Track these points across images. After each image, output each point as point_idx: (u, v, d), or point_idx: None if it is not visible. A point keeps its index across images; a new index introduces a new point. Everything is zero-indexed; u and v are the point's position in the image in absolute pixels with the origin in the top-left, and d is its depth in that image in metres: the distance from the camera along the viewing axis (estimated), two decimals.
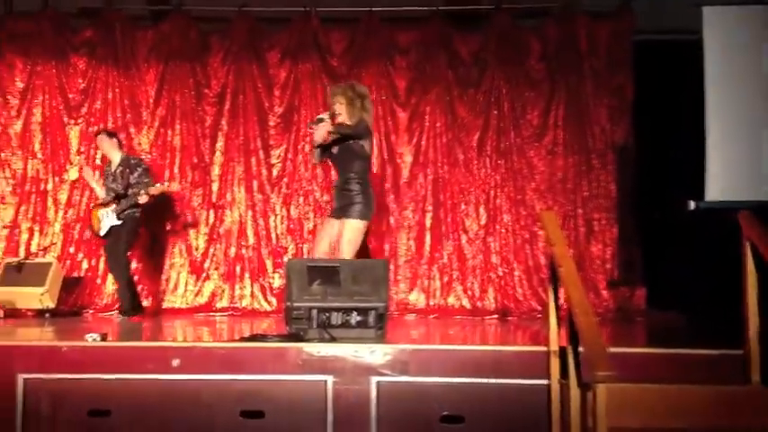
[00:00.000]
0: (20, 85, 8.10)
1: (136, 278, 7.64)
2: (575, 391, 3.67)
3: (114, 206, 7.00)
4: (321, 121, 5.63)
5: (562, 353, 3.95)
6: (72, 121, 8.11)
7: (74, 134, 8.10)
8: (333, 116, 5.66)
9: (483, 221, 7.88)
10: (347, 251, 5.45)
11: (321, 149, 5.71)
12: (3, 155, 8.06)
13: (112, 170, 7.17)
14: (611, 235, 7.77)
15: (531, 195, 7.88)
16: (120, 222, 7.00)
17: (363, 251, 5.78)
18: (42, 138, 8.08)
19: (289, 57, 8.14)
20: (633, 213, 7.74)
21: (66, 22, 8.18)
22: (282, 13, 8.17)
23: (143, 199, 6.88)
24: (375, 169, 7.98)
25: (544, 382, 4.08)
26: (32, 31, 8.08)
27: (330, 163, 5.96)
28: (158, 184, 7.05)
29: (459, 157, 7.96)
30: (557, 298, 4.05)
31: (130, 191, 6.97)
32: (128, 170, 7.10)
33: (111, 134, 7.32)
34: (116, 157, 7.21)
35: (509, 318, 7.51)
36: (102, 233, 7.10)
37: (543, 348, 4.13)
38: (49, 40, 8.08)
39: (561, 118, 7.90)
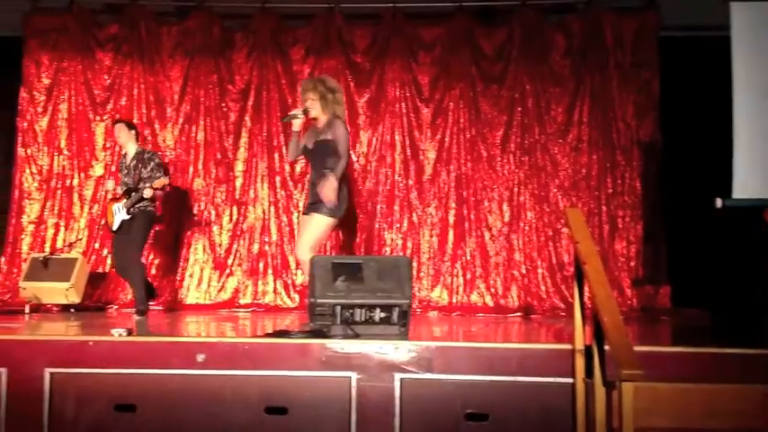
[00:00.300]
0: (46, 81, 8.16)
1: (153, 272, 7.65)
2: (600, 390, 3.64)
3: (125, 200, 6.81)
4: (295, 117, 5.65)
5: (587, 351, 3.91)
6: (98, 118, 8.17)
7: (99, 130, 8.16)
8: (306, 112, 5.65)
9: (506, 218, 7.85)
10: (305, 244, 5.47)
11: (296, 146, 5.70)
12: (29, 151, 8.12)
13: (127, 163, 7.00)
14: (636, 232, 7.72)
15: (554, 192, 7.84)
16: (129, 217, 6.77)
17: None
18: (68, 134, 8.14)
19: (312, 53, 8.15)
20: (658, 210, 7.67)
21: (92, 18, 8.24)
22: (306, 9, 8.20)
23: (148, 193, 6.70)
24: (397, 166, 7.99)
25: (569, 380, 4.04)
26: (58, 28, 8.14)
27: (305, 159, 5.88)
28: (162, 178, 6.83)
29: (482, 153, 7.93)
30: (582, 295, 4.01)
31: (141, 185, 6.78)
32: (140, 164, 6.90)
33: (131, 125, 7.14)
34: (132, 149, 7.00)
35: (532, 315, 7.47)
36: (114, 228, 6.89)
37: (568, 346, 4.10)
38: (75, 37, 8.14)
39: (586, 114, 7.86)
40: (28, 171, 8.10)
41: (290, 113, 5.79)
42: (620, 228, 7.74)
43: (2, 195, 8.22)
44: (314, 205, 5.56)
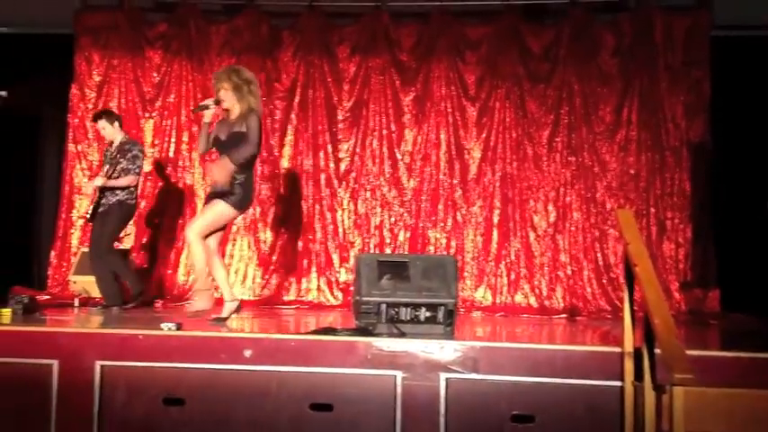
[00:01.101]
0: (97, 78, 8.27)
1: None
2: (650, 394, 3.59)
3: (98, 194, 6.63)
4: (206, 107, 5.46)
5: (637, 354, 3.87)
6: (146, 114, 8.27)
7: (148, 127, 8.26)
8: (218, 102, 5.47)
9: (552, 219, 7.79)
10: (199, 226, 5.31)
11: (207, 138, 5.51)
12: (79, 147, 8.24)
13: (112, 152, 6.78)
14: (685, 234, 7.61)
15: (602, 193, 7.77)
16: (102, 209, 6.59)
17: None
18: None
19: (359, 51, 8.17)
20: (707, 212, 7.54)
21: (143, 16, 8.34)
22: (353, 8, 8.24)
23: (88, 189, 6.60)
24: (442, 165, 7.98)
25: (617, 383, 4.00)
26: (109, 25, 8.25)
27: (215, 150, 5.62)
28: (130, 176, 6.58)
29: (528, 152, 7.89)
30: (632, 297, 3.97)
31: (118, 176, 6.58)
32: (119, 154, 6.69)
33: (113, 116, 6.89)
34: (117, 139, 6.80)
35: (577, 317, 7.40)
36: (87, 216, 6.72)
37: (617, 349, 4.05)
38: (126, 34, 8.25)
39: (635, 114, 7.78)
40: (78, 167, 8.22)
41: (200, 104, 5.59)
42: (669, 229, 7.63)
43: (53, 190, 8.37)
44: (221, 193, 5.36)
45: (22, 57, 8.03)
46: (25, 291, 6.19)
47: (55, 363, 4.11)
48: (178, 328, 4.29)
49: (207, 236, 5.37)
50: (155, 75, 8.29)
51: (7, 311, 5.32)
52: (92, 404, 4.07)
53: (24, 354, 4.15)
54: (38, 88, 8.16)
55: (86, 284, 7.24)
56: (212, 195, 5.46)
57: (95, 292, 7.24)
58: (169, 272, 8.04)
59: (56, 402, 4.07)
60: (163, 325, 4.32)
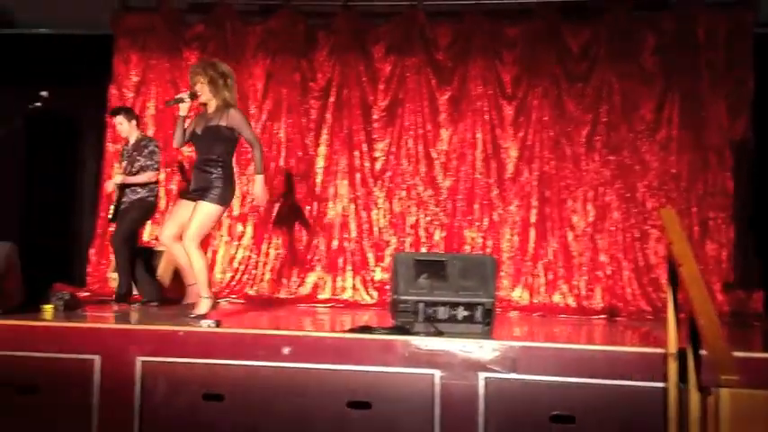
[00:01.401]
0: (134, 78, 8.34)
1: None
2: (694, 396, 3.55)
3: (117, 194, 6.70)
4: (181, 100, 5.40)
5: (681, 355, 3.81)
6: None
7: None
8: (193, 95, 5.42)
9: (591, 218, 7.71)
10: (194, 233, 5.27)
11: (183, 132, 5.47)
12: (119, 146, 8.32)
13: (129, 150, 6.86)
14: (727, 235, 7.48)
15: (642, 192, 7.67)
16: (123, 206, 6.67)
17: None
18: (155, 131, 8.30)
19: (394, 51, 8.16)
20: (750, 213, 7.42)
21: (180, 17, 8.40)
22: (388, 7, 8.22)
23: (109, 186, 6.62)
24: (477, 164, 7.94)
25: (660, 385, 3.95)
26: (147, 27, 8.32)
27: (192, 143, 5.61)
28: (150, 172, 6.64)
29: (566, 151, 7.81)
30: (676, 298, 3.91)
31: (139, 173, 6.65)
32: (136, 152, 6.77)
33: (131, 114, 6.99)
34: (133, 137, 6.89)
35: (617, 318, 7.32)
36: (109, 216, 6.82)
37: (660, 350, 4.00)
38: (163, 36, 8.31)
39: (676, 113, 7.67)
40: (116, 167, 8.28)
41: (176, 96, 5.50)
42: (711, 230, 7.51)
43: (91, 190, 8.47)
44: (202, 192, 5.33)
45: (62, 58, 8.13)
46: (66, 288, 6.26)
47: (97, 358, 4.15)
48: (217, 325, 4.32)
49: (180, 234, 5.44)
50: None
51: (49, 308, 5.39)
52: (133, 399, 4.11)
53: (67, 349, 4.21)
54: (77, 89, 8.23)
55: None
56: (192, 195, 5.42)
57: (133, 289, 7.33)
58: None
59: (98, 397, 4.12)
60: (203, 322, 4.35)
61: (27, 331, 4.36)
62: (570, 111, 7.85)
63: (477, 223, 7.91)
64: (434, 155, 8.02)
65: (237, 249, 8.13)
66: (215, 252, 8.12)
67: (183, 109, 5.40)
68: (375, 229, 8.06)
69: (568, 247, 7.71)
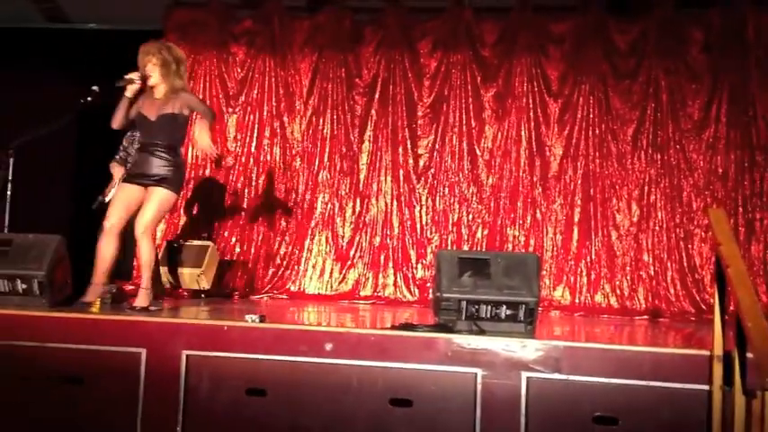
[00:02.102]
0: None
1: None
2: (739, 399, 3.49)
3: None
4: (131, 81, 5.15)
5: (726, 358, 3.76)
6: (230, 110, 8.41)
7: (231, 122, 8.40)
8: (144, 78, 5.19)
9: (635, 218, 7.64)
10: (152, 221, 5.09)
11: (126, 114, 5.22)
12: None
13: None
14: None
15: (688, 192, 7.58)
16: None
17: None
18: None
19: (440, 47, 8.16)
20: None
21: (229, 12, 8.48)
22: (435, 3, 8.20)
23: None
24: (522, 162, 7.90)
25: (704, 387, 3.89)
26: (197, 21, 8.42)
27: (139, 129, 5.38)
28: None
29: (612, 149, 7.75)
30: (723, 299, 3.85)
31: None
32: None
33: None
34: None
35: (660, 319, 7.23)
36: (105, 199, 6.56)
37: (705, 352, 3.94)
38: (212, 30, 8.41)
39: (724, 111, 7.58)
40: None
41: (125, 77, 5.17)
42: (758, 230, 7.39)
43: None
44: (158, 179, 5.14)
45: (113, 53, 8.24)
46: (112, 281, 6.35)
47: (143, 351, 4.20)
48: (261, 320, 4.35)
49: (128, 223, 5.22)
50: (238, 70, 8.42)
51: (96, 300, 5.47)
52: (178, 392, 4.15)
53: (114, 342, 4.26)
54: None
55: (170, 276, 7.42)
56: (145, 179, 5.18)
57: (180, 283, 7.43)
58: (249, 265, 8.16)
59: (143, 389, 4.17)
60: (247, 316, 4.38)
61: (75, 324, 4.42)
62: (616, 108, 7.78)
63: (519, 221, 7.88)
64: (478, 152, 8.00)
65: (280, 245, 8.19)
66: (258, 248, 8.18)
67: (130, 91, 5.18)
68: (417, 226, 8.07)
69: (612, 246, 7.64)
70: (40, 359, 4.29)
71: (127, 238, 5.31)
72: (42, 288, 4.82)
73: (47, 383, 4.27)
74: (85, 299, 5.07)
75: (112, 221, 5.15)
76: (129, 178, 5.26)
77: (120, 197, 5.22)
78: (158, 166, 5.15)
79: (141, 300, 5.19)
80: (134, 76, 5.17)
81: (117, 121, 5.24)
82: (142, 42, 5.37)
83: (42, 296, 4.82)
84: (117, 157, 6.69)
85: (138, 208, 5.17)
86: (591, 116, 7.80)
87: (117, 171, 6.60)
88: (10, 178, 6.08)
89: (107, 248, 5.16)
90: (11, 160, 6.05)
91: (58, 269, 5.00)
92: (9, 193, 6.12)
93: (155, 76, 5.19)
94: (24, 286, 4.84)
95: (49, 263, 4.87)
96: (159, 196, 5.12)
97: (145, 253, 5.15)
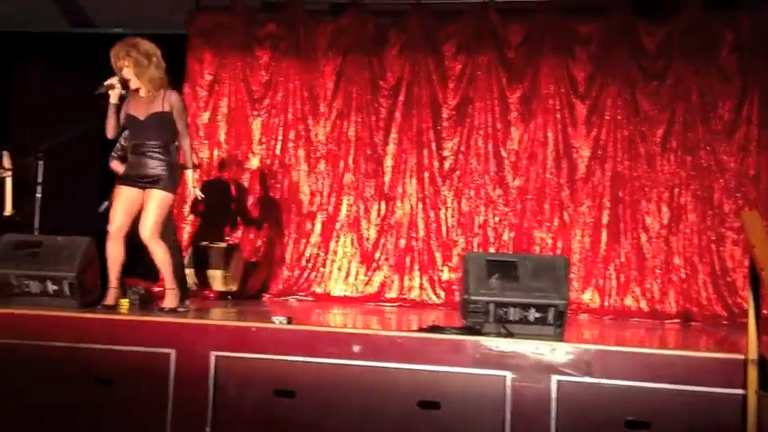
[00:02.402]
0: (208, 77, 8.45)
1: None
2: None
3: None
4: (111, 87, 5.08)
5: (761, 362, 3.70)
6: (254, 113, 8.41)
7: (256, 125, 8.40)
8: (124, 82, 5.12)
9: (665, 220, 7.55)
10: (156, 224, 5.06)
11: (117, 121, 5.17)
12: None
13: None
14: None
15: (719, 194, 7.48)
16: None
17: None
18: (227, 128, 8.42)
19: (464, 49, 8.11)
20: None
21: (253, 16, 8.48)
22: (459, 5, 8.18)
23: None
24: (548, 164, 7.84)
25: (739, 391, 3.83)
26: (221, 26, 8.44)
27: (130, 131, 5.30)
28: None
29: (640, 151, 7.67)
30: (757, 303, 3.79)
31: None
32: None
33: None
34: None
35: (691, 323, 7.14)
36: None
37: (739, 356, 3.88)
38: (237, 35, 8.40)
39: (755, 113, 7.47)
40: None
41: (104, 83, 5.09)
42: None
43: None
44: (154, 180, 5.11)
45: None
46: (140, 282, 6.40)
47: (172, 352, 4.22)
48: (289, 322, 4.35)
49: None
50: (263, 74, 8.43)
51: (125, 302, 5.51)
52: (207, 393, 4.17)
53: (144, 343, 4.29)
54: None
55: (197, 277, 7.44)
56: (142, 182, 5.15)
57: (205, 285, 7.45)
58: (275, 267, 8.16)
59: (173, 389, 4.19)
60: (274, 318, 4.39)
61: (105, 325, 4.46)
62: (645, 110, 7.70)
63: (546, 224, 7.81)
64: (504, 154, 7.95)
65: (305, 247, 8.18)
66: (283, 249, 8.19)
67: (114, 96, 5.12)
68: (443, 228, 8.03)
69: (641, 249, 7.56)
70: (70, 360, 4.33)
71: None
72: (73, 289, 4.87)
73: (77, 384, 4.30)
74: (106, 302, 5.08)
75: (116, 225, 5.12)
76: (125, 181, 5.24)
77: (120, 201, 5.19)
78: (153, 166, 5.13)
79: (169, 300, 5.22)
80: (113, 81, 5.11)
81: (110, 130, 5.22)
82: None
83: (73, 297, 4.88)
84: (116, 155, 6.57)
85: (138, 209, 5.16)
86: (619, 118, 7.72)
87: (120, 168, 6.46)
88: (39, 180, 6.13)
89: (114, 252, 5.14)
90: (40, 162, 6.10)
91: (88, 271, 5.05)
92: (39, 195, 6.17)
93: (132, 79, 5.15)
94: (55, 287, 4.89)
95: (79, 264, 4.93)
96: (157, 199, 5.10)
97: (158, 255, 5.15)
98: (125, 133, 6.43)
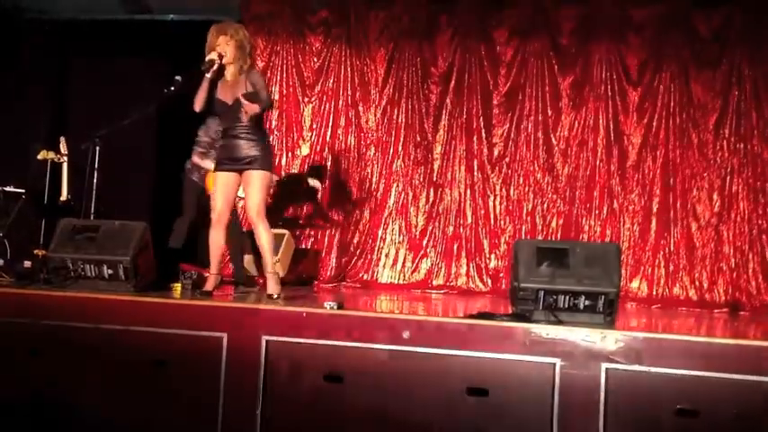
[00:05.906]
0: (260, 64, 8.50)
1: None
2: None
3: None
4: (212, 63, 5.04)
5: None
6: (306, 99, 8.49)
7: (307, 112, 8.48)
8: (220, 56, 5.07)
9: (716, 209, 7.47)
10: (260, 205, 5.08)
11: (206, 95, 5.11)
12: None
13: None
14: None
15: None
16: None
17: None
18: (278, 114, 8.50)
19: (516, 35, 8.09)
20: None
21: (305, 3, 8.54)
22: None
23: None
24: (599, 151, 7.78)
25: None
26: (274, 12, 8.52)
27: (219, 115, 5.32)
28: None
29: (693, 139, 7.57)
30: None
31: None
32: None
33: None
34: None
35: (740, 312, 7.05)
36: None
37: None
38: (289, 21, 8.50)
39: None
40: None
41: (207, 59, 5.06)
42: None
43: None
44: (251, 161, 5.09)
45: (193, 43, 8.40)
46: (192, 267, 6.51)
47: (224, 336, 4.28)
48: (340, 307, 4.39)
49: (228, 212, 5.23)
50: (315, 60, 8.48)
51: (178, 286, 5.62)
52: (257, 377, 4.21)
53: (196, 326, 4.34)
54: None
55: (246, 263, 7.52)
56: (239, 164, 5.12)
57: (254, 271, 7.54)
58: (322, 254, 8.24)
59: (224, 373, 4.25)
60: (326, 303, 4.42)
61: (159, 309, 4.52)
62: (698, 97, 7.60)
63: (596, 211, 7.76)
64: (554, 141, 7.91)
65: (353, 234, 8.25)
66: (332, 236, 8.25)
67: (211, 72, 5.09)
68: (491, 215, 8.03)
69: (692, 237, 7.49)
70: (124, 342, 4.39)
71: (208, 223, 5.38)
72: (128, 273, 4.95)
73: (131, 366, 4.38)
74: (206, 288, 5.17)
75: (218, 211, 5.17)
76: (221, 166, 5.22)
77: (219, 187, 5.21)
78: (247, 148, 5.11)
79: (272, 287, 5.19)
80: (213, 56, 5.09)
81: (199, 103, 5.15)
82: None
83: (128, 281, 4.96)
84: (199, 150, 6.71)
85: (235, 194, 5.24)
86: (671, 104, 7.63)
87: (208, 163, 6.58)
88: (96, 166, 6.27)
89: (217, 239, 5.21)
90: (97, 149, 6.23)
91: (143, 255, 5.13)
92: (95, 180, 6.31)
93: (229, 56, 5.11)
94: (111, 271, 4.98)
95: (134, 249, 5.01)
96: (257, 179, 5.10)
97: (263, 236, 5.15)
98: (203, 126, 6.59)
